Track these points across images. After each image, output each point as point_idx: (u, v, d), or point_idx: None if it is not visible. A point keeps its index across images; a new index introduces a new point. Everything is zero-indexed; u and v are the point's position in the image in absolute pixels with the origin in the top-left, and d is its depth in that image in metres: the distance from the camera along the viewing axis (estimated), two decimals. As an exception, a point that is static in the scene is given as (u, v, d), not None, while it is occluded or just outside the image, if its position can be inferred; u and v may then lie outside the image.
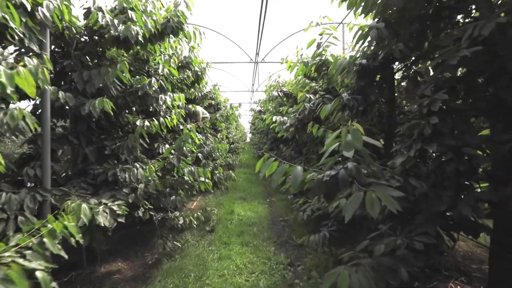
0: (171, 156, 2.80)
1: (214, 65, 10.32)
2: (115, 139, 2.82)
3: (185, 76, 4.34)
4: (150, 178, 2.52)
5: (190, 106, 5.29)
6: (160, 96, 2.67)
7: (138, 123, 2.87)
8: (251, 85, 11.81)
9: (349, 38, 9.34)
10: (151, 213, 2.90)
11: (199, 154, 4.01)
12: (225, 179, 4.33)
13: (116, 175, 2.36)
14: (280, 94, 6.70)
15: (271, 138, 9.32)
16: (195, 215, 3.29)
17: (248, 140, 31.99)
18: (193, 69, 4.37)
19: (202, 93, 6.15)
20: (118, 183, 2.44)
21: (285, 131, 4.58)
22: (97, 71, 2.43)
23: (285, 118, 4.35)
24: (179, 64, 3.91)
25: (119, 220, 2.05)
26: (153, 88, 2.67)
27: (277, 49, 7.71)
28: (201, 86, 6.29)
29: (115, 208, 1.99)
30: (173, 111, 3.89)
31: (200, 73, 5.25)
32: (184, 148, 2.66)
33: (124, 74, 2.45)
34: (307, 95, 4.10)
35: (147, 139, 2.74)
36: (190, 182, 2.87)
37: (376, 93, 2.42)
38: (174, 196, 2.69)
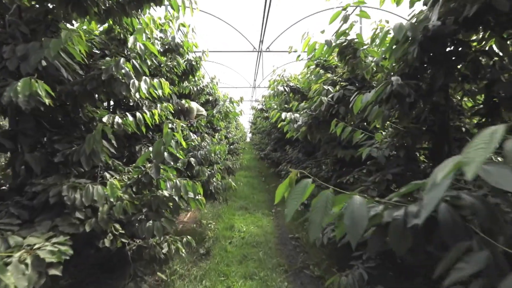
0: (148, 165, 2.05)
1: (211, 55, 9.53)
2: (74, 142, 2.05)
3: (175, 64, 3.57)
4: (117, 196, 1.76)
5: (183, 101, 4.52)
6: (132, 81, 1.91)
7: (105, 119, 2.10)
8: (252, 80, 11.03)
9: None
10: (123, 240, 2.14)
11: (192, 159, 3.24)
12: (223, 189, 3.56)
13: (61, 195, 1.59)
14: (287, 89, 5.96)
15: (275, 138, 8.55)
16: (184, 239, 2.52)
17: (248, 140, 31.29)
18: (184, 55, 3.60)
19: (198, 87, 5.38)
20: (66, 205, 1.67)
21: (295, 131, 3.81)
22: (39, 45, 1.66)
23: (296, 115, 3.59)
24: (166, 47, 3.14)
25: (54, 272, 1.28)
26: (123, 71, 1.91)
27: (283, 37, 6.95)
28: (196, 79, 5.52)
29: (43, 254, 1.23)
30: (159, 105, 3.12)
31: (194, 63, 4.49)
32: (167, 153, 1.90)
33: (77, 48, 1.68)
34: (324, 86, 3.33)
35: (114, 142, 1.97)
36: (175, 199, 2.11)
37: (442, 76, 1.66)
38: (151, 222, 1.93)
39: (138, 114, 2.24)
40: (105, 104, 3.45)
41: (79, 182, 1.74)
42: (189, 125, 3.88)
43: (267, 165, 9.07)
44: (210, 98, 6.25)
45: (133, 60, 1.91)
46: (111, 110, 3.06)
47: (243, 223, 4.23)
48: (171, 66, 3.56)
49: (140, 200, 2.16)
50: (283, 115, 3.51)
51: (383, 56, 2.35)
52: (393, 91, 1.77)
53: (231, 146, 9.93)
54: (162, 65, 3.56)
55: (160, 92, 2.08)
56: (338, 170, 3.79)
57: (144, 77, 1.94)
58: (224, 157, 8.06)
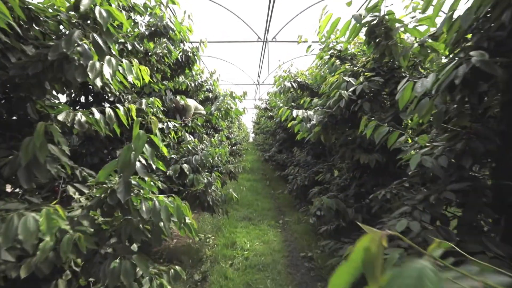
0: (115, 180, 1.49)
1: (211, 49, 8.97)
2: (12, 148, 1.50)
3: (165, 52, 3.01)
4: (59, 230, 1.21)
5: (178, 98, 3.97)
6: (90, 63, 1.35)
7: (61, 116, 1.54)
8: (256, 77, 10.43)
9: None
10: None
11: (185, 166, 2.68)
12: (223, 201, 3.00)
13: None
14: (294, 86, 5.39)
15: (280, 139, 7.98)
16: (172, 272, 1.96)
17: (251, 140, 30.79)
18: (177, 41, 3.04)
19: (196, 83, 4.82)
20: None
21: (307, 132, 3.25)
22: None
23: (310, 113, 3.01)
24: (152, 29, 2.58)
25: None
26: (79, 48, 1.35)
27: (291, 25, 6.32)
28: (194, 73, 4.97)
29: None
30: (144, 100, 2.56)
31: (191, 54, 3.94)
32: (139, 164, 1.34)
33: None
34: (345, 78, 2.76)
35: (65, 148, 1.40)
36: (157, 225, 1.55)
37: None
38: (119, 260, 1.37)
39: (108, 110, 1.68)
40: (83, 99, 2.91)
41: (7, 209, 1.19)
42: (183, 124, 3.32)
43: (271, 167, 8.51)
44: (210, 95, 5.69)
45: (94, 34, 1.35)
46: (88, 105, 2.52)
47: (247, 238, 3.66)
48: (161, 54, 3.00)
49: (110, 225, 1.61)
50: (294, 112, 2.94)
51: (434, 32, 1.77)
52: (470, 73, 1.19)
53: (233, 147, 9.37)
54: (150, 54, 3.01)
55: (131, 78, 1.51)
56: (359, 178, 3.21)
57: (108, 57, 1.38)
58: (225, 159, 7.50)
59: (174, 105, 4.31)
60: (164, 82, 4.50)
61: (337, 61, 3.46)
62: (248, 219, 4.49)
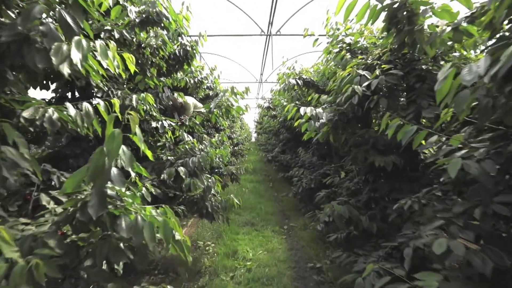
0: (87, 190, 1.23)
1: (211, 46, 8.70)
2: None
3: (160, 43, 2.74)
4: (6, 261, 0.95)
5: (175, 95, 3.71)
6: (55, 45, 1.09)
7: (27, 113, 1.28)
8: (259, 75, 10.13)
9: None
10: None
11: (180, 169, 2.41)
12: (223, 208, 2.73)
13: None
14: (299, 83, 5.12)
15: (284, 139, 7.70)
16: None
17: (253, 139, 30.54)
18: (171, 31, 2.78)
19: (196, 80, 4.56)
20: None
21: (315, 131, 2.98)
22: None
23: (319, 110, 2.74)
24: (143, 16, 2.31)
25: None
26: (41, 28, 1.09)
27: (296, 17, 6.02)
28: (193, 69, 4.70)
29: None
30: (134, 96, 2.30)
31: (190, 48, 3.68)
32: (116, 170, 1.07)
33: None
34: (359, 71, 2.48)
35: (27, 154, 1.14)
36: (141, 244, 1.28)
37: None
38: (91, 290, 1.10)
39: (85, 105, 1.42)
40: (69, 95, 2.65)
41: None
42: (179, 123, 3.05)
43: (274, 168, 8.25)
44: (211, 93, 5.43)
45: (60, 9, 1.08)
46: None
47: (249, 246, 3.39)
48: (155, 46, 2.74)
49: (87, 242, 1.34)
50: (302, 110, 2.66)
51: (473, 12, 1.49)
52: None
53: (235, 148, 9.11)
54: (143, 45, 2.74)
55: (105, 63, 1.24)
56: (372, 182, 2.92)
57: (77, 38, 1.11)
58: (227, 160, 7.23)
59: (171, 102, 4.04)
60: (161, 78, 4.25)
61: (348, 54, 3.18)
62: (251, 224, 4.22)
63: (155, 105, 2.63)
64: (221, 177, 6.15)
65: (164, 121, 2.70)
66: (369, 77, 2.43)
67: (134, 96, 2.25)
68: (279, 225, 4.27)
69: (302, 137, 7.00)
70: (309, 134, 2.95)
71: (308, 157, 5.53)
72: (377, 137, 2.67)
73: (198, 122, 3.05)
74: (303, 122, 2.81)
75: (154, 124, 2.65)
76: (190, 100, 4.40)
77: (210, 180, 2.65)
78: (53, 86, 2.50)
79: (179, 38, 3.63)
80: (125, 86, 2.91)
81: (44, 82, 2.36)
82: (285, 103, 7.06)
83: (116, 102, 1.49)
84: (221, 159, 5.31)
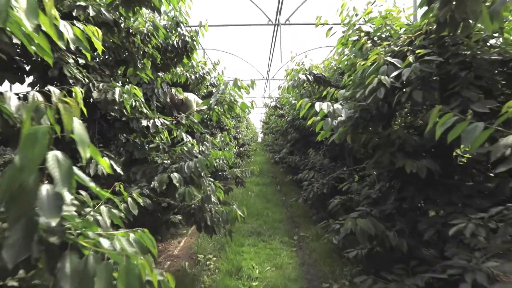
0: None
1: (214, 38, 8.32)
2: None
3: (150, 29, 2.37)
4: None
5: (172, 90, 3.35)
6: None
7: None
8: (266, 71, 9.70)
9: None
10: None
11: (174, 176, 2.03)
12: (225, 221, 2.34)
13: None
14: (310, 78, 4.73)
15: (292, 139, 7.29)
16: None
17: (259, 140, 30.19)
18: (168, 20, 2.41)
19: (197, 75, 4.20)
20: None
21: (331, 130, 2.57)
22: None
23: (337, 106, 2.32)
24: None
25: None
26: None
27: (307, 6, 5.61)
28: (195, 63, 4.34)
29: None
30: (118, 89, 1.92)
31: (189, 39, 3.32)
32: (47, 190, 0.70)
33: None
34: (386, 58, 2.06)
35: None
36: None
37: None
38: None
39: (32, 94, 1.04)
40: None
41: None
42: (175, 122, 2.67)
43: (282, 169, 7.85)
44: (214, 90, 5.05)
45: None
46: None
47: (255, 261, 2.99)
48: (145, 32, 2.37)
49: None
50: (317, 106, 2.25)
51: None
52: None
53: (241, 148, 8.75)
54: (133, 32, 2.38)
55: (30, 26, 0.86)
56: (399, 190, 2.50)
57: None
58: (232, 162, 6.86)
59: (170, 99, 3.68)
60: (159, 74, 3.89)
61: (368, 42, 2.76)
62: (257, 233, 3.83)
63: (143, 100, 2.26)
64: (225, 181, 5.77)
65: (156, 119, 2.32)
66: (399, 65, 2.02)
67: (117, 89, 1.88)
68: (288, 234, 3.87)
69: (312, 137, 6.58)
70: (324, 133, 2.55)
71: (319, 159, 5.12)
72: (406, 137, 2.25)
73: (196, 121, 2.66)
74: (318, 120, 2.40)
75: (144, 123, 2.28)
76: (191, 97, 4.03)
77: (209, 188, 2.27)
78: (29, 80, 2.17)
79: (178, 29, 3.27)
80: (113, 79, 2.55)
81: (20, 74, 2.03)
82: (293, 101, 6.66)
83: (77, 91, 1.11)
84: (225, 161, 4.95)
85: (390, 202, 2.54)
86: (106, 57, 2.65)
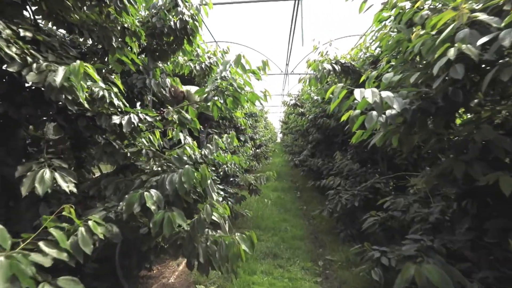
0: None
1: (228, 31, 7.68)
2: None
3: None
4: None
5: (168, 80, 2.75)
6: None
7: None
8: (284, 65, 8.92)
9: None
10: None
11: (148, 195, 1.40)
12: (224, 258, 1.66)
13: None
14: (336, 68, 4.03)
15: (313, 140, 6.54)
16: None
17: (278, 140, 29.47)
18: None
19: (203, 65, 3.57)
20: None
21: (372, 130, 1.85)
22: None
23: (388, 94, 1.59)
24: None
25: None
26: None
27: None
28: (200, 51, 3.73)
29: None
30: (61, 70, 1.31)
31: (190, 19, 2.74)
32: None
33: None
34: (476, 14, 1.32)
35: None
36: None
37: None
38: None
39: None
40: None
41: None
42: (159, 118, 2.03)
43: (302, 173, 7.10)
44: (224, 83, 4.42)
45: None
46: None
47: (270, 298, 2.32)
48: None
49: None
50: (358, 93, 1.54)
51: None
52: None
53: (258, 150, 8.08)
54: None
55: None
56: (475, 215, 1.73)
57: None
58: (247, 165, 6.20)
59: (169, 93, 3.09)
60: (160, 64, 3.32)
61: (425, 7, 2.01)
62: (273, 255, 3.14)
63: (113, 90, 1.64)
64: (238, 187, 5.12)
65: (133, 115, 1.70)
66: (495, 25, 1.27)
67: (60, 69, 1.27)
68: (311, 257, 3.15)
69: (337, 138, 5.79)
70: (366, 133, 1.84)
71: (347, 163, 4.35)
72: (499, 140, 1.48)
73: (189, 117, 2.01)
74: (356, 115, 1.68)
75: (116, 120, 1.66)
76: (194, 90, 3.42)
77: (204, 212, 1.61)
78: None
79: (178, 8, 2.70)
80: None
81: None
82: (315, 98, 5.91)
83: None
84: (237, 166, 4.30)
85: (461, 231, 1.78)
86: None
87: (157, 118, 1.85)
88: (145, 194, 1.42)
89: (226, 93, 1.91)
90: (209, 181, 3.67)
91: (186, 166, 1.52)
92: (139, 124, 1.74)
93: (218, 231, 1.90)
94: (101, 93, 1.60)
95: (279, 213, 4.79)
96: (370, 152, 4.79)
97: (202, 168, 1.52)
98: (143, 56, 3.39)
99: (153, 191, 1.48)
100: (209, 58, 3.71)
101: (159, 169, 1.82)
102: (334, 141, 6.15)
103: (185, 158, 2.26)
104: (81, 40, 2.72)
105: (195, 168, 2.37)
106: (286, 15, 5.50)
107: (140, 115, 1.78)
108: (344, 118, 1.77)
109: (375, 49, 4.34)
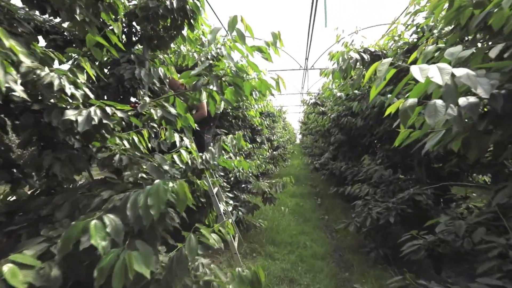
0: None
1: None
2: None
3: None
4: None
5: (161, 70, 2.31)
6: None
7: None
8: (303, 59, 8.30)
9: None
10: None
11: (94, 224, 0.94)
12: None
13: None
14: (365, 57, 3.48)
15: (336, 141, 5.93)
16: None
17: (297, 141, 28.76)
18: None
19: (210, 55, 3.11)
20: None
21: (428, 129, 1.29)
22: None
23: (467, 72, 1.03)
24: None
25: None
26: None
27: None
28: (205, 40, 3.28)
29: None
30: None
31: (189, -3, 2.27)
32: None
33: None
34: None
35: None
36: None
37: None
38: None
39: None
40: None
41: None
42: (131, 113, 1.54)
43: (323, 177, 6.50)
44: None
45: None
46: None
47: None
48: None
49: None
50: (416, 70, 0.99)
51: None
52: None
53: (275, 152, 7.55)
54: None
55: None
56: None
57: None
58: (262, 168, 5.68)
59: (169, 85, 2.65)
60: (159, 55, 2.90)
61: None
62: (289, 281, 2.60)
63: (77, 79, 1.19)
64: (251, 193, 4.62)
65: (95, 109, 1.25)
66: None
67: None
68: (335, 284, 2.59)
69: (363, 139, 5.13)
70: (422, 131, 1.28)
71: (377, 168, 3.73)
72: None
73: (174, 112, 1.52)
74: (411, 105, 1.13)
75: (72, 116, 1.21)
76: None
77: (186, 245, 1.11)
78: None
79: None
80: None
81: None
82: (338, 94, 5.30)
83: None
84: (248, 172, 3.81)
85: None
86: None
87: (130, 114, 1.38)
88: (91, 224, 0.94)
89: (223, 79, 1.42)
90: (215, 189, 3.16)
91: (157, 181, 1.03)
92: (105, 121, 1.28)
93: (212, 265, 1.40)
94: (48, 79, 1.16)
95: (297, 223, 4.24)
96: (402, 156, 4.15)
97: (179, 185, 1.02)
98: (140, 46, 2.97)
99: (109, 218, 1.00)
100: (214, 48, 3.24)
101: (132, 180, 1.35)
102: (359, 143, 5.51)
103: (178, 164, 1.80)
104: (65, 26, 2.35)
105: (188, 179, 1.90)
106: (305, 2, 5.00)
107: (108, 109, 1.32)
108: (390, 110, 1.21)
109: (411, 35, 3.72)
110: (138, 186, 1.31)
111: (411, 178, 3.72)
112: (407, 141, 1.53)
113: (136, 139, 1.72)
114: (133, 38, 2.84)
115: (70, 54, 1.64)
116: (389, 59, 1.15)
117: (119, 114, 1.34)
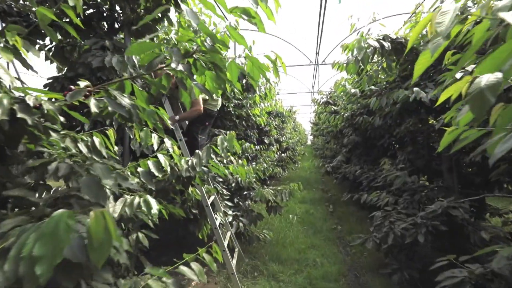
0: None
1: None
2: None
3: None
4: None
5: (134, 56, 1.91)
6: None
7: None
8: (314, 54, 7.77)
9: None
10: None
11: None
12: None
13: None
14: (386, 45, 3.02)
15: (349, 142, 5.43)
16: None
17: (309, 142, 28.16)
18: None
19: (206, 44, 2.71)
20: None
21: None
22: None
23: None
24: None
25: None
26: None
27: None
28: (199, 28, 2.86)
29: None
30: None
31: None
32: None
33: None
34: None
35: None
36: None
37: None
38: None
39: None
40: None
41: None
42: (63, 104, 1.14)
43: (335, 181, 6.02)
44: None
45: None
46: None
47: None
48: None
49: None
50: None
51: None
52: None
53: (283, 154, 7.10)
54: None
55: None
56: None
57: None
58: (269, 172, 5.23)
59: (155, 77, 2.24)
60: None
61: None
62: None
63: None
64: (255, 201, 4.19)
65: (3, 98, 0.85)
66: None
67: None
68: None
69: (380, 141, 4.60)
70: (479, 132, 0.84)
71: (398, 174, 3.22)
72: None
73: (126, 103, 1.07)
74: (491, 83, 0.69)
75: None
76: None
77: None
78: None
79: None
80: None
81: None
82: (352, 90, 4.81)
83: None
84: (250, 178, 3.39)
85: None
86: None
87: (61, 104, 0.98)
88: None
89: (195, 56, 1.01)
90: (211, 198, 2.74)
91: (58, 212, 0.62)
92: (21, 115, 0.88)
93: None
94: None
95: (306, 235, 3.77)
96: (427, 160, 3.64)
97: (92, 220, 0.61)
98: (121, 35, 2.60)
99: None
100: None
101: (59, 196, 0.95)
102: (375, 145, 5.00)
103: (154, 172, 1.41)
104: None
105: (173, 189, 1.53)
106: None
107: (28, 98, 0.92)
108: (448, 94, 0.77)
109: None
110: (68, 207, 0.91)
111: (438, 185, 3.21)
112: (458, 145, 1.07)
113: (97, 140, 1.33)
114: (116, 25, 2.47)
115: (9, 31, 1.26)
116: (457, 5, 0.70)
117: (47, 105, 0.94)
